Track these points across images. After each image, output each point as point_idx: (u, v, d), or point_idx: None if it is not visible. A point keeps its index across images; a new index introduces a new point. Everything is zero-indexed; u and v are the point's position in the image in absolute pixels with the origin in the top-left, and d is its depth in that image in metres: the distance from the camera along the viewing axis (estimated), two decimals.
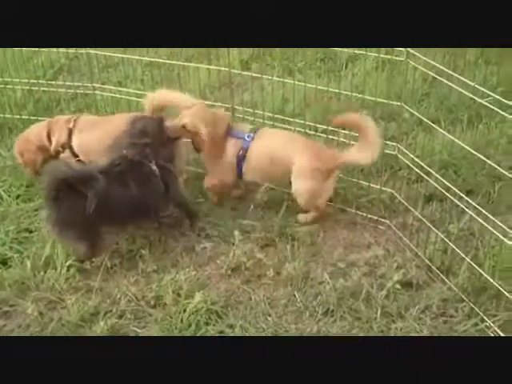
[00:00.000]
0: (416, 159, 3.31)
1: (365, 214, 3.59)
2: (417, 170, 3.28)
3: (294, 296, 3.07)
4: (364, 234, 3.50)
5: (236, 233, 3.36)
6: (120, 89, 4.32)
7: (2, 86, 4.42)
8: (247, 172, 3.60)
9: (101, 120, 3.92)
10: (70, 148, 3.77)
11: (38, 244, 3.38)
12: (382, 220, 3.54)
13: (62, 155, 3.80)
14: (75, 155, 3.77)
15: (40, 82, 4.47)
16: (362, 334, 2.85)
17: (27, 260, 3.28)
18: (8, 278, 3.20)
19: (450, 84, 3.03)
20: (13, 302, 3.10)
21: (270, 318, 2.96)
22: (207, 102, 3.91)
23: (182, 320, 2.92)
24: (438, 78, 3.19)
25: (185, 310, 2.96)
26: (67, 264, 3.22)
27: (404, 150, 3.39)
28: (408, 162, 3.37)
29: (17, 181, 3.96)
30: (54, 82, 4.64)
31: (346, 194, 3.72)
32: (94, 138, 3.70)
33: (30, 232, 3.55)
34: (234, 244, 3.35)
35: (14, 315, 3.06)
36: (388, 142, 3.46)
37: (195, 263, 3.31)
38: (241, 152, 3.54)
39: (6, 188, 3.89)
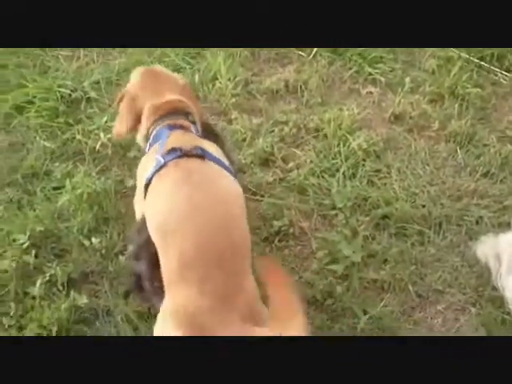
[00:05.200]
0: None
1: None
2: None
3: (456, 152, 3.03)
4: None
5: (407, 80, 3.30)
6: None
7: None
8: None
9: None
10: None
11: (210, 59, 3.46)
12: None
13: None
14: None
15: None
16: None
17: (197, 73, 3.41)
18: None
19: None
20: None
21: (427, 168, 2.96)
22: None
23: (340, 153, 2.98)
24: None
25: (344, 144, 3.02)
26: (235, 80, 3.34)
27: None
28: None
29: None
30: None
31: None
32: None
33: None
34: (401, 93, 3.30)
35: None
36: None
37: (359, 104, 3.30)
38: None
39: None
